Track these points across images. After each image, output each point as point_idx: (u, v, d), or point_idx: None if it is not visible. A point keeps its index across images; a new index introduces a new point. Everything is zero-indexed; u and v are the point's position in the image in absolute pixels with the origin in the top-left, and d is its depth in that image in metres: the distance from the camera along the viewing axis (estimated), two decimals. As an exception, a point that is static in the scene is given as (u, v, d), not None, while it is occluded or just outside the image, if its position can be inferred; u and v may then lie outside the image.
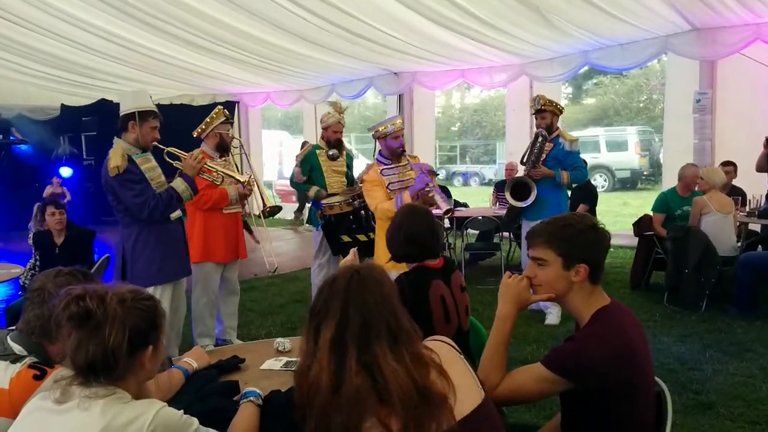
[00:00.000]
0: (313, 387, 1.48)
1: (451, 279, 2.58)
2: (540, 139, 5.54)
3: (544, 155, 5.56)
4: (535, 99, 5.78)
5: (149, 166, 3.83)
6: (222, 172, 4.24)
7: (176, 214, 3.98)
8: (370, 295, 1.55)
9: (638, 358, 1.89)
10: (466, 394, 1.53)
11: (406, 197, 4.40)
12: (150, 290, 3.65)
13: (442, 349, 1.61)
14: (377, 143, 4.85)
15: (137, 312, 1.55)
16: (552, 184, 5.57)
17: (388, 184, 4.65)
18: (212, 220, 4.77)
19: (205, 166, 4.05)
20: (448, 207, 4.60)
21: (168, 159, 4.02)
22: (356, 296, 1.54)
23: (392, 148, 4.67)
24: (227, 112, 5.00)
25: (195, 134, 4.91)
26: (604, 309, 1.96)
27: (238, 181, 4.58)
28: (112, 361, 1.50)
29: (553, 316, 5.52)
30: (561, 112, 5.78)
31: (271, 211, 5.11)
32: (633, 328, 1.95)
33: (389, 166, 4.72)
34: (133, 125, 3.71)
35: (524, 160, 5.65)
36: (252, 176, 5.13)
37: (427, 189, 4.42)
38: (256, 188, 5.03)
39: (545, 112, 5.64)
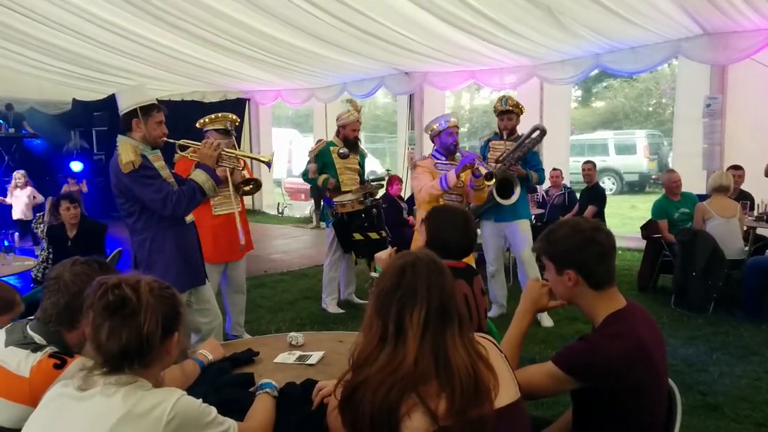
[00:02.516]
0: (387, 369, 1.49)
1: (473, 282, 2.61)
2: (537, 135, 5.21)
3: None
4: (502, 99, 5.52)
5: (160, 164, 3.55)
6: (243, 155, 3.94)
7: (189, 217, 3.73)
8: (446, 281, 1.59)
9: (650, 359, 1.89)
10: (505, 389, 1.57)
11: (451, 176, 4.52)
12: None
13: (487, 344, 1.66)
14: (435, 141, 4.90)
15: (164, 300, 1.60)
16: (523, 185, 5.40)
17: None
18: (200, 221, 4.23)
19: (224, 152, 3.70)
20: (488, 171, 4.54)
21: (182, 153, 3.84)
22: (437, 281, 1.57)
23: (446, 144, 4.79)
24: (232, 123, 4.65)
25: (198, 125, 4.70)
26: (617, 312, 1.96)
27: (262, 161, 4.10)
28: (146, 347, 1.55)
29: (543, 317, 5.50)
30: (522, 113, 5.62)
31: (255, 184, 4.28)
32: (647, 330, 1.95)
33: (443, 162, 4.84)
34: (137, 123, 3.42)
35: (503, 157, 5.30)
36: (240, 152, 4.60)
37: (475, 164, 4.50)
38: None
39: (512, 113, 5.49)
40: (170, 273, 3.47)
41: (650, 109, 25.22)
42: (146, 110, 3.43)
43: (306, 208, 13.64)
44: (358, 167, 5.97)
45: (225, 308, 5.03)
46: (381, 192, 7.67)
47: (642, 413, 1.91)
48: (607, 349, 1.86)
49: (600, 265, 1.95)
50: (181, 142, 3.73)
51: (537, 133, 5.22)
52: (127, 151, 3.38)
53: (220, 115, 4.70)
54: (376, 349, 1.53)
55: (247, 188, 4.30)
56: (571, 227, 2.01)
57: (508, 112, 5.49)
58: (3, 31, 8.68)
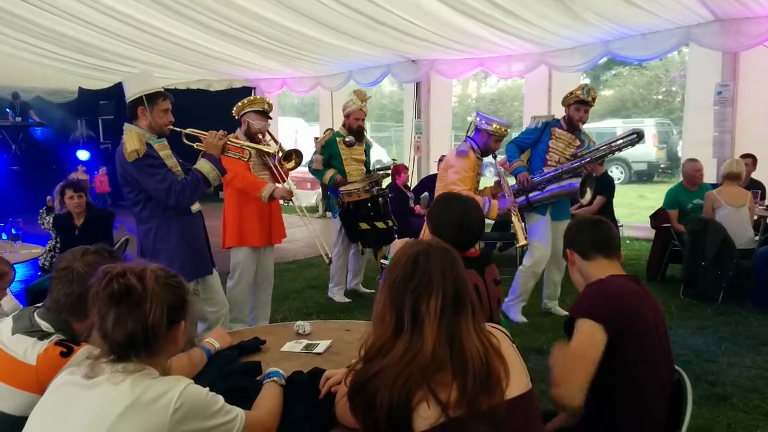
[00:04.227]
0: (405, 358, 1.48)
1: (485, 271, 2.59)
2: (632, 138, 5.00)
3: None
4: (584, 89, 5.17)
5: (166, 153, 3.53)
6: (248, 146, 3.99)
7: (196, 206, 3.72)
8: (459, 268, 1.59)
9: (642, 320, 2.05)
10: (516, 379, 1.56)
11: (495, 206, 4.66)
12: None
13: (499, 334, 1.65)
14: (478, 132, 4.84)
15: (170, 288, 1.59)
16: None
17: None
18: (246, 205, 4.59)
19: (229, 142, 3.68)
20: (525, 242, 4.80)
21: (187, 142, 3.70)
22: (451, 268, 1.56)
23: (489, 148, 4.86)
24: (267, 106, 4.71)
25: (235, 109, 4.71)
26: (619, 275, 2.18)
27: (268, 153, 4.28)
28: (152, 336, 1.53)
29: (557, 308, 5.51)
30: None
31: (291, 157, 4.46)
32: (644, 299, 2.13)
33: (479, 158, 4.90)
34: (143, 111, 3.40)
35: (581, 154, 5.18)
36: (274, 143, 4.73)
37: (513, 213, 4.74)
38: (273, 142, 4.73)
39: (590, 106, 5.18)
40: (175, 262, 3.46)
41: (659, 97, 25.06)
42: (152, 98, 3.40)
43: (312, 197, 13.61)
44: (363, 157, 5.95)
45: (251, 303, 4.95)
46: (387, 181, 7.65)
47: (646, 392, 2.01)
48: (617, 288, 2.09)
49: (578, 236, 2.32)
50: (188, 131, 3.68)
51: (633, 137, 5.01)
52: (132, 139, 3.36)
53: (258, 97, 4.79)
54: (391, 339, 1.52)
55: (290, 165, 4.37)
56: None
57: (587, 103, 5.17)
58: (8, 20, 8.66)
